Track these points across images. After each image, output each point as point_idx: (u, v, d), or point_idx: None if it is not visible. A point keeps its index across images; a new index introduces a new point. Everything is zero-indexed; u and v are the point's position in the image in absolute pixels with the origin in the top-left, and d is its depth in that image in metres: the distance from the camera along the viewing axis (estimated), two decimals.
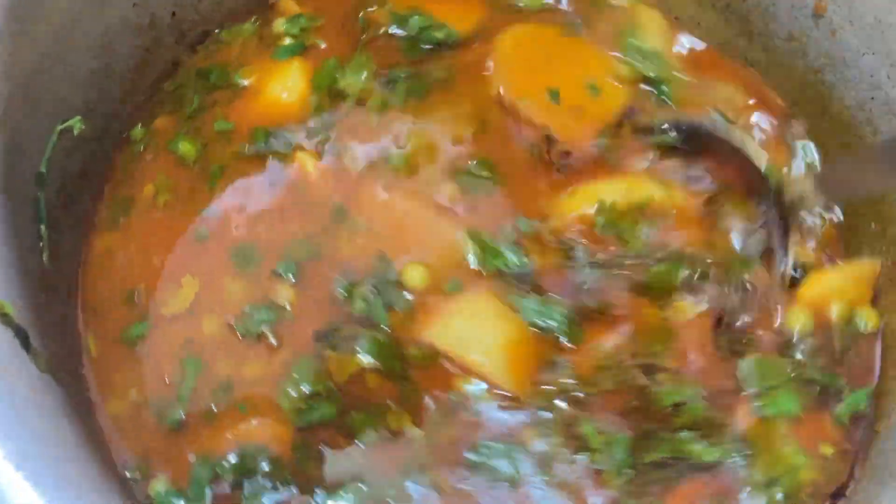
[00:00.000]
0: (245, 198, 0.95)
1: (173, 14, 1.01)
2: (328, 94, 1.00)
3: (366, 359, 0.87)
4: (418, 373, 0.88)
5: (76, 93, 0.92)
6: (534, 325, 0.89)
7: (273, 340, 0.89)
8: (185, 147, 0.97)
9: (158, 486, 0.84)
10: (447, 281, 0.91)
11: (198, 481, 0.83)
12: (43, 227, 0.86)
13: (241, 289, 0.91)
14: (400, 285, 0.90)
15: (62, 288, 0.89)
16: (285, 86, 1.00)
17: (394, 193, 0.95)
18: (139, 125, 1.00)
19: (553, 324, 0.89)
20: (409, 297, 0.90)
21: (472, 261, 0.91)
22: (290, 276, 0.91)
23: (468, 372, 0.87)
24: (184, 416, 0.86)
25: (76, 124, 0.91)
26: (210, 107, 1.00)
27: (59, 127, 0.89)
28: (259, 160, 0.97)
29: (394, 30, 1.04)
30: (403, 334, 0.89)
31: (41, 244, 0.86)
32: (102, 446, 0.84)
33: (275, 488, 0.83)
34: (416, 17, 1.04)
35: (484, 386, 0.87)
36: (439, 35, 1.03)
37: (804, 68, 1.02)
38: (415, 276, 0.90)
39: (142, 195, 0.96)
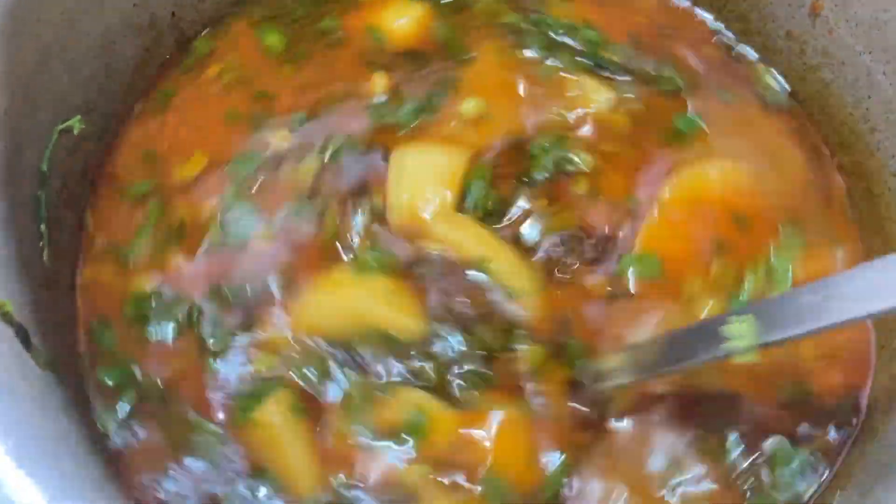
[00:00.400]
0: (304, 87, 0.97)
1: (173, 14, 1.01)
2: (451, 11, 1.01)
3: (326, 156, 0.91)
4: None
5: (76, 92, 0.92)
6: (465, 192, 0.91)
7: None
8: (274, 38, 1.00)
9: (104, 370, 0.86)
10: (493, 126, 0.93)
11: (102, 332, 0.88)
12: (43, 226, 0.86)
13: (239, 144, 0.93)
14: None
15: (62, 286, 0.89)
16: (407, 10, 1.01)
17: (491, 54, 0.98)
18: (204, 35, 1.03)
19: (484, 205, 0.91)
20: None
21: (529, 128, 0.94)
22: (298, 124, 0.94)
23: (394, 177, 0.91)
24: (135, 258, 0.90)
25: (76, 124, 0.91)
26: (316, 17, 1.02)
27: (59, 127, 0.89)
28: (346, 56, 0.98)
29: (557, 35, 1.01)
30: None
31: (41, 243, 0.86)
32: (102, 443, 0.84)
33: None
34: (592, 31, 1.00)
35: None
36: (614, 57, 0.99)
37: (802, 67, 1.03)
38: (470, 105, 0.94)
39: (200, 77, 0.99)
